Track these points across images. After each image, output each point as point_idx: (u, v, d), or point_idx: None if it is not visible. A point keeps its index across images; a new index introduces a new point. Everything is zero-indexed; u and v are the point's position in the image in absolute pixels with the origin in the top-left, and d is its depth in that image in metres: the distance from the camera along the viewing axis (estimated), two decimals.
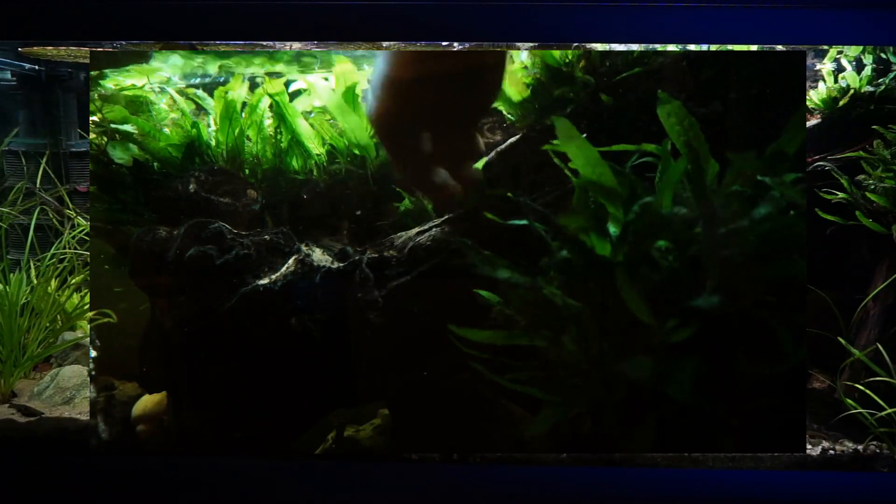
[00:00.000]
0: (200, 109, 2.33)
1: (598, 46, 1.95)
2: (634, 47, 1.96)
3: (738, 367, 1.56)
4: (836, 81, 2.30)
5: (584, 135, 1.60)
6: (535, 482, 1.83)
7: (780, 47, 1.93)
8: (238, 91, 2.16)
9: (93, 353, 2.18)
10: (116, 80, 2.22)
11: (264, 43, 1.91)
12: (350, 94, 2.09)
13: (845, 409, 2.01)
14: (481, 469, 1.86)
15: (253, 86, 2.18)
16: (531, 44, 1.96)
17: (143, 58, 2.20)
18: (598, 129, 1.82)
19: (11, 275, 2.35)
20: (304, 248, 2.02)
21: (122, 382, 2.24)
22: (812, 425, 2.03)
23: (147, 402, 2.15)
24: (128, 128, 2.15)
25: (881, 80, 2.24)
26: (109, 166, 2.15)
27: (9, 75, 2.69)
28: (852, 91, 2.25)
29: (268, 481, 1.85)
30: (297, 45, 1.94)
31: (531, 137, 1.99)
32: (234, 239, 2.01)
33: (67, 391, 2.23)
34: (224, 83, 2.17)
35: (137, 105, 2.21)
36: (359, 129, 2.10)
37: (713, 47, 1.92)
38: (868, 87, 2.24)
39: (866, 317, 2.15)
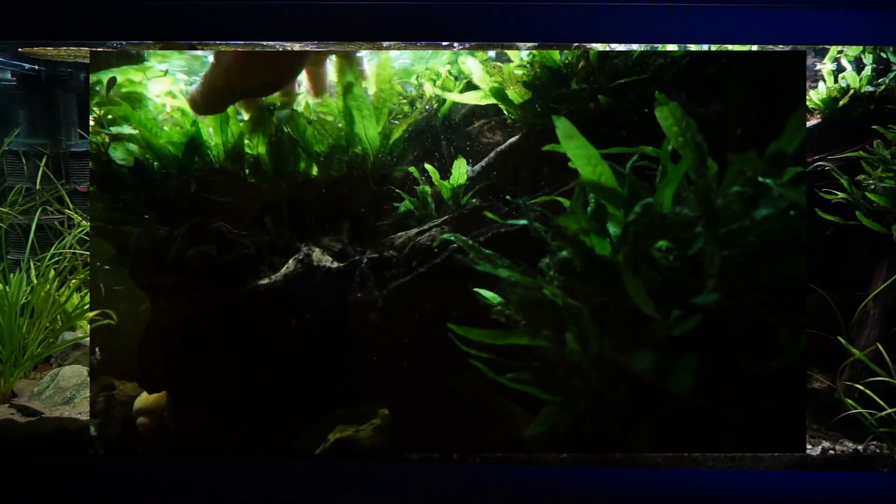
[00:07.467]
0: None
1: (599, 46, 1.95)
2: (634, 47, 1.96)
3: (738, 367, 1.56)
4: (836, 81, 2.30)
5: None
6: (535, 482, 1.83)
7: (780, 47, 1.93)
8: None
9: (93, 354, 2.18)
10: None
11: (265, 43, 1.91)
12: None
13: (845, 409, 2.01)
14: (481, 469, 1.86)
15: None
16: (531, 44, 1.96)
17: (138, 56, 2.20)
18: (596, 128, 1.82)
19: (11, 275, 2.35)
20: (304, 248, 2.02)
21: (122, 382, 2.23)
22: (812, 425, 2.03)
23: (148, 396, 2.15)
24: (128, 129, 2.15)
25: (881, 80, 2.24)
26: (109, 166, 2.15)
27: (9, 75, 2.68)
28: (852, 91, 2.25)
29: (268, 481, 1.85)
30: (297, 46, 1.94)
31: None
32: (234, 239, 2.01)
33: (67, 391, 2.23)
34: None
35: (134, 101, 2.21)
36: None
37: (713, 47, 1.92)
38: (868, 87, 2.24)
39: (866, 317, 2.15)
